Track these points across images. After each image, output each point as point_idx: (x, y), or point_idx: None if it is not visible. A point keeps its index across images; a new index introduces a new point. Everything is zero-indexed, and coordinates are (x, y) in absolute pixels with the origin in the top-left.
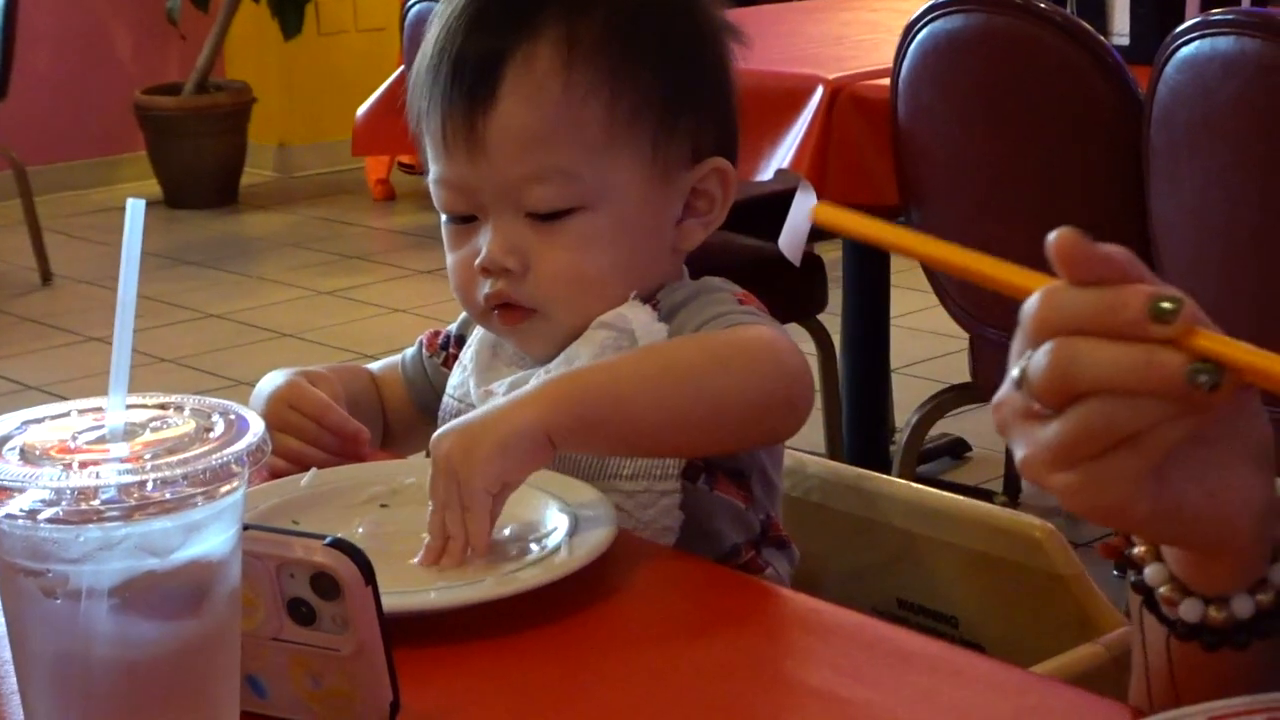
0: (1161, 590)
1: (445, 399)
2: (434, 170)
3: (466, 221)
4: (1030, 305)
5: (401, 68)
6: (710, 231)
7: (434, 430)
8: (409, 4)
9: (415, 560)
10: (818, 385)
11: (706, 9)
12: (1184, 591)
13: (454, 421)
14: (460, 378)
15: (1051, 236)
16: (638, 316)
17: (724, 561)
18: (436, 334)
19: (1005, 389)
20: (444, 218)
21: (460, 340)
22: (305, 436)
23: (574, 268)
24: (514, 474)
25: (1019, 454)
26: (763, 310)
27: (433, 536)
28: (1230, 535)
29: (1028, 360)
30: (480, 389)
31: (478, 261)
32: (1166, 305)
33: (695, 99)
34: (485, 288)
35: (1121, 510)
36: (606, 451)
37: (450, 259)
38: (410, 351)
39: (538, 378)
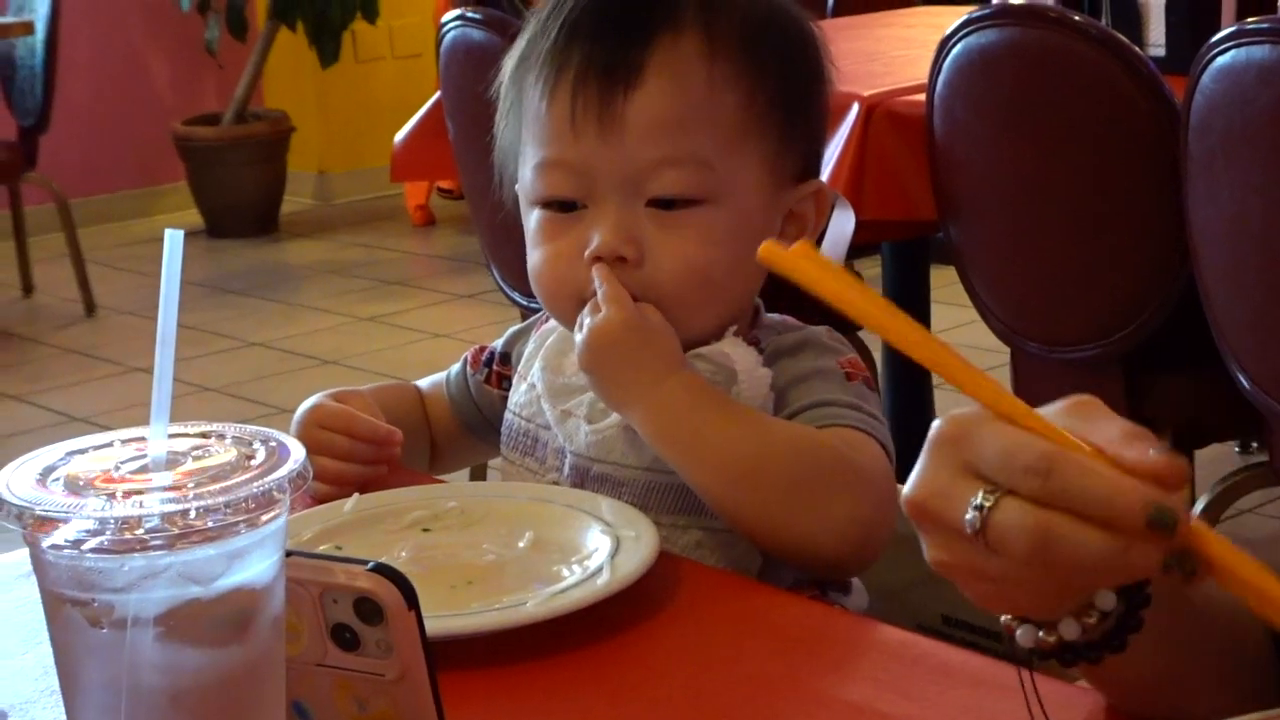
0: (1004, 618)
1: (509, 416)
2: (544, 153)
3: (568, 210)
4: (1019, 449)
5: (439, 94)
6: None
7: (479, 448)
8: (444, 30)
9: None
10: None
11: (820, 43)
12: (1020, 619)
13: (628, 337)
14: (527, 395)
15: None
16: (741, 356)
17: None
18: (481, 350)
19: (939, 543)
20: (537, 212)
21: (505, 358)
22: (338, 452)
23: (694, 260)
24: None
25: (969, 592)
26: (867, 379)
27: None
28: None
29: (989, 507)
30: (557, 409)
31: (590, 249)
32: (1166, 518)
33: (809, 115)
34: (595, 282)
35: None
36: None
37: (544, 250)
38: (455, 368)
39: None
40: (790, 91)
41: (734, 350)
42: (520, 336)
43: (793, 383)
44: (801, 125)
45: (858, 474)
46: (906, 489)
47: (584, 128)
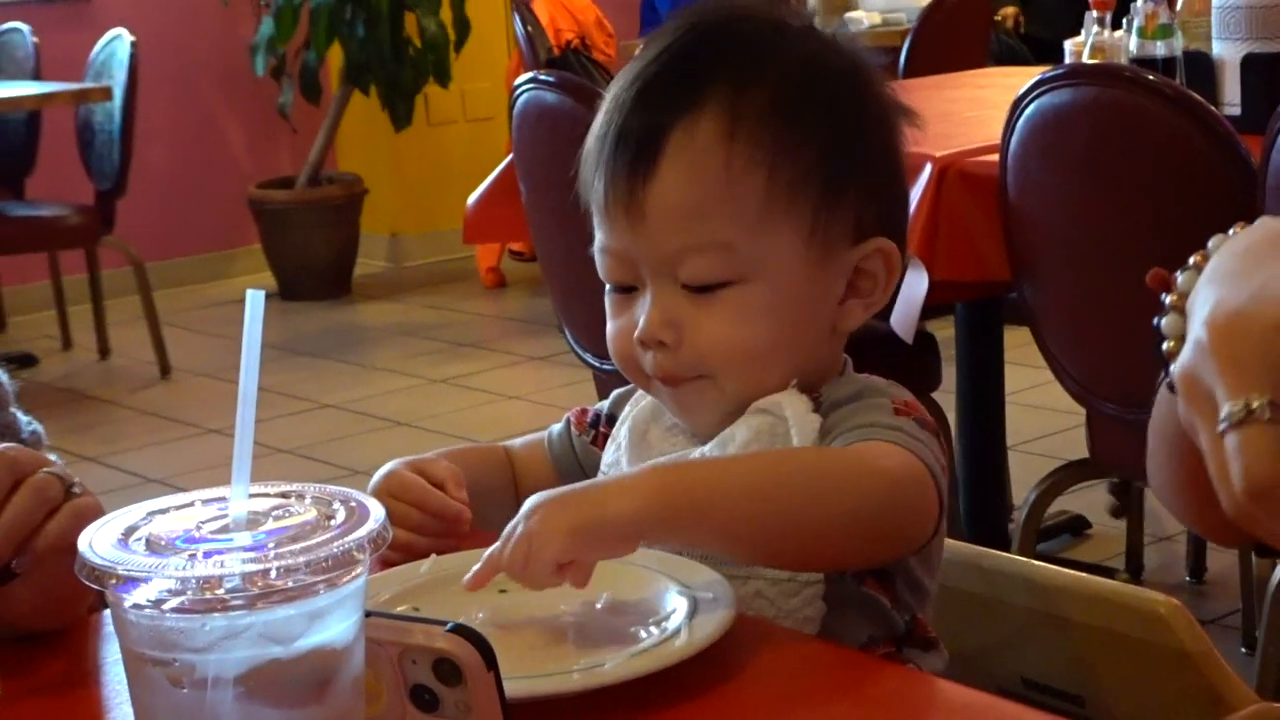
0: (1169, 345)
1: (600, 475)
2: (597, 239)
3: (628, 291)
4: None
5: (510, 156)
6: (872, 313)
7: None
8: (518, 93)
9: (465, 579)
10: None
11: (876, 88)
12: None
13: (551, 491)
14: (614, 455)
15: None
16: (794, 406)
17: None
18: (584, 412)
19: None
20: (608, 287)
21: (611, 419)
22: (409, 524)
23: (729, 339)
24: (589, 557)
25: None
26: (923, 419)
27: (485, 566)
28: None
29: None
30: (633, 467)
31: (635, 334)
32: None
33: (859, 178)
34: (647, 363)
35: None
36: (697, 549)
37: (612, 326)
38: (557, 429)
39: (694, 457)
40: (831, 160)
41: (786, 399)
42: (625, 399)
43: (838, 421)
44: (853, 186)
45: (860, 468)
46: None
47: (616, 217)
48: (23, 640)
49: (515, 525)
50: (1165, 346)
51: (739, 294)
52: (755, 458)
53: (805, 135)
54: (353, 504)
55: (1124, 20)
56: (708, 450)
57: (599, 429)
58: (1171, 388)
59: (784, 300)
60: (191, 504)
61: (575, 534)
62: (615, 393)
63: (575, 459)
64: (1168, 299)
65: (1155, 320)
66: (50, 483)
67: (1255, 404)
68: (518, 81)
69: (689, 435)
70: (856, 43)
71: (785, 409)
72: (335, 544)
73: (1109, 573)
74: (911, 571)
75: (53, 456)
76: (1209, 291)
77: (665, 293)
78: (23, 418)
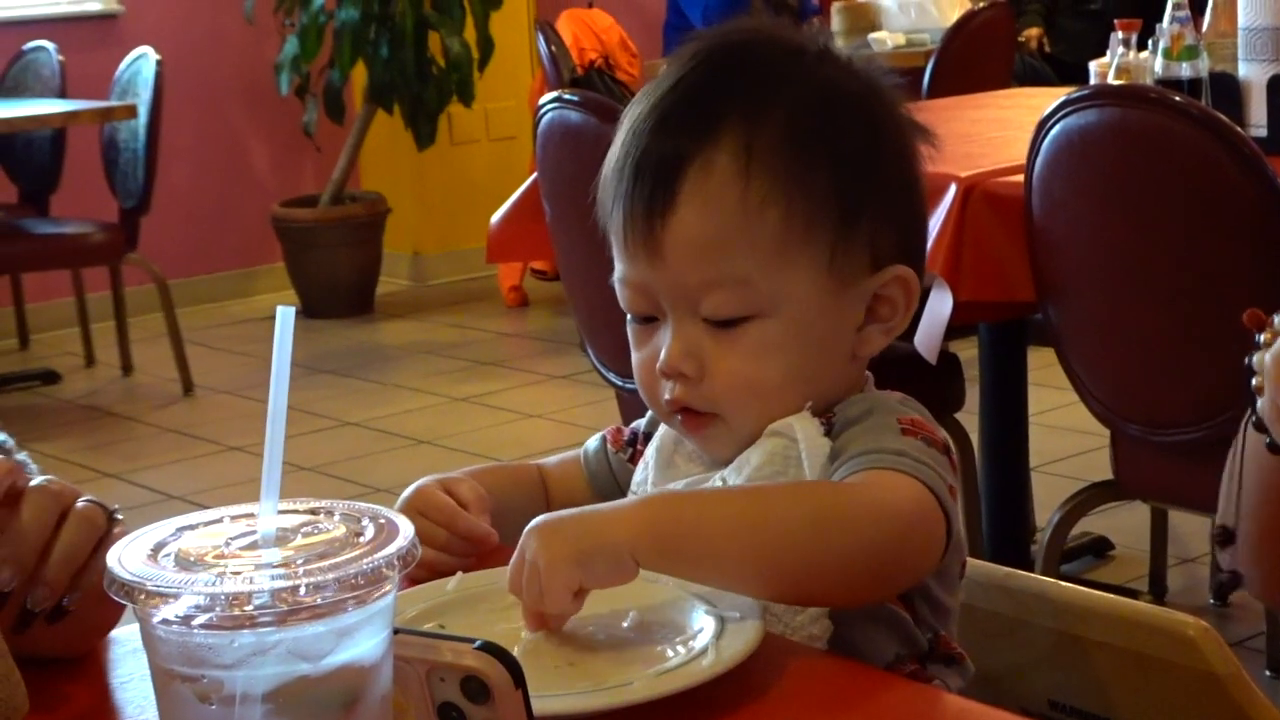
0: (1257, 380)
1: (630, 495)
2: (617, 270)
3: (649, 322)
4: None
5: (534, 175)
6: (893, 338)
7: None
8: (542, 112)
9: (525, 635)
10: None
11: (890, 110)
12: None
13: (550, 516)
14: (643, 474)
15: None
16: (805, 429)
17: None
18: (620, 430)
19: None
20: (629, 316)
21: (648, 437)
22: (436, 543)
23: (749, 375)
24: (591, 585)
25: None
26: (931, 437)
27: (527, 621)
28: None
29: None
30: (658, 487)
31: (657, 365)
32: None
33: (874, 206)
34: (667, 391)
35: None
36: (692, 581)
37: (634, 358)
38: (592, 446)
39: (715, 482)
40: (846, 190)
41: (798, 422)
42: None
43: (846, 443)
44: (869, 214)
45: (867, 506)
46: None
47: (635, 252)
48: (42, 661)
49: (519, 554)
50: (1255, 382)
51: (759, 328)
52: (754, 491)
53: (819, 166)
54: (382, 521)
55: (1149, 41)
56: (726, 473)
57: (636, 446)
58: (1259, 426)
59: (803, 334)
60: (220, 520)
61: (579, 562)
62: (651, 411)
63: (612, 476)
64: (1261, 337)
65: (1247, 359)
66: (96, 512)
67: None
68: (542, 101)
69: (710, 460)
70: (873, 64)
71: (797, 431)
72: (364, 561)
73: (1132, 594)
74: (929, 590)
75: (53, 476)
76: None
77: (686, 325)
78: None
